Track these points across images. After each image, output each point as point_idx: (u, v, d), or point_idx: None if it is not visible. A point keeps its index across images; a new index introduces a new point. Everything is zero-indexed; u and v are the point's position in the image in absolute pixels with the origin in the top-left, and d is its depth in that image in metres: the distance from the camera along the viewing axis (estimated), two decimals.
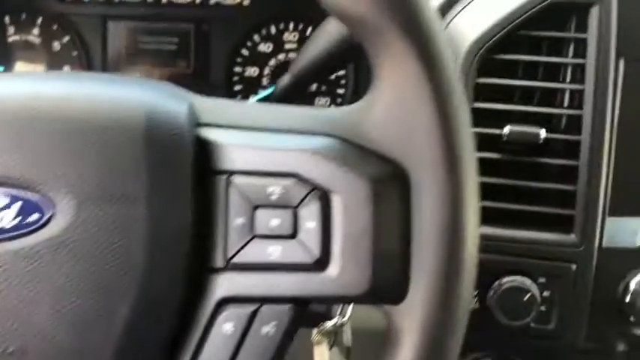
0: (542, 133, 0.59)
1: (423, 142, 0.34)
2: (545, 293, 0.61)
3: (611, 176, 0.60)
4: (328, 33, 0.60)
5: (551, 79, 0.62)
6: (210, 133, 0.37)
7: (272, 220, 0.36)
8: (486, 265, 0.61)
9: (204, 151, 0.37)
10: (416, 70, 0.34)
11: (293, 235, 0.36)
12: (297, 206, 0.35)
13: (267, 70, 0.84)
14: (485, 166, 0.61)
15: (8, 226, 0.34)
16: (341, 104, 0.84)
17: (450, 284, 0.35)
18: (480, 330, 0.62)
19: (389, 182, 0.35)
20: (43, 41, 0.84)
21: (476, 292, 0.61)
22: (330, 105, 0.84)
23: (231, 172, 0.36)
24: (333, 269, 0.35)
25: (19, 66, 0.86)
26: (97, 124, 0.35)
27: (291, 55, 0.83)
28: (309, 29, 0.83)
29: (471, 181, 0.35)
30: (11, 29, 0.84)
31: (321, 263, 0.35)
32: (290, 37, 0.83)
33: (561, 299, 0.61)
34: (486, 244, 0.62)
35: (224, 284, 0.36)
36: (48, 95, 0.35)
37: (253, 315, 0.36)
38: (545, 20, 0.60)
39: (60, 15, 0.83)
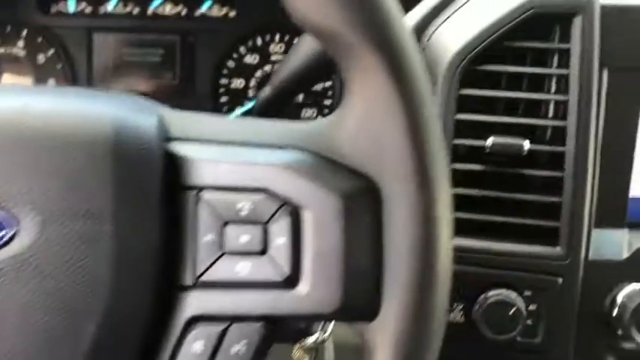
0: (526, 144, 0.58)
1: (393, 156, 0.34)
2: (532, 307, 0.60)
3: (596, 187, 0.60)
4: (309, 44, 0.59)
5: (536, 90, 0.61)
6: (180, 148, 0.37)
7: (241, 237, 0.35)
8: (471, 278, 0.61)
9: (173, 166, 0.36)
10: (386, 84, 0.33)
11: (263, 252, 0.35)
12: (267, 222, 0.35)
13: (253, 82, 0.83)
14: (469, 178, 0.61)
15: None
16: (328, 115, 0.84)
17: (424, 299, 0.34)
18: (465, 344, 0.62)
19: (360, 197, 0.34)
20: (28, 54, 0.84)
21: (461, 306, 0.61)
22: (316, 116, 0.84)
23: (201, 188, 0.36)
24: (304, 287, 0.34)
25: (6, 78, 0.85)
26: (61, 139, 0.34)
27: (278, 66, 0.82)
28: (295, 41, 0.83)
29: (444, 194, 0.34)
30: None
31: (291, 280, 0.34)
32: (276, 48, 0.83)
33: (548, 313, 0.60)
34: (471, 256, 0.61)
35: (193, 302, 0.36)
36: (11, 110, 0.35)
37: (223, 334, 0.35)
38: (528, 31, 0.59)
39: (45, 28, 0.83)
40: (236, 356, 0.35)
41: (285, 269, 0.34)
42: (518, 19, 0.58)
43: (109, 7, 0.83)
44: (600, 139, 0.59)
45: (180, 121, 0.39)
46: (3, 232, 0.34)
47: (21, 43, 0.83)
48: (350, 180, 0.35)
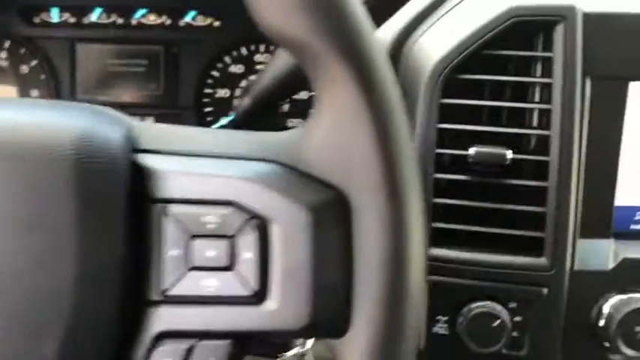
0: (509, 154, 0.57)
1: (362, 167, 0.33)
2: (517, 318, 0.59)
3: (581, 197, 0.59)
4: (287, 54, 0.58)
5: (520, 99, 0.61)
6: (147, 160, 0.36)
7: (208, 251, 0.34)
8: (455, 290, 0.60)
9: (140, 178, 0.35)
10: (355, 94, 0.32)
11: (230, 267, 0.34)
12: (234, 236, 0.34)
13: (238, 92, 0.83)
14: (452, 188, 0.60)
15: None
16: None
17: (395, 314, 0.33)
18: (449, 357, 0.61)
19: (329, 210, 0.33)
20: (11, 65, 0.83)
21: (445, 319, 0.60)
22: None
23: (168, 201, 0.35)
24: (272, 302, 0.34)
25: None
26: (24, 150, 0.33)
27: (257, 77, 0.82)
28: None
29: (415, 205, 0.33)
30: None
31: (259, 296, 0.34)
32: (261, 58, 0.82)
33: (533, 324, 0.59)
34: (454, 268, 0.61)
35: (160, 318, 0.35)
36: None
37: (190, 351, 0.34)
38: (511, 39, 0.59)
39: (28, 38, 0.82)
40: None
41: (253, 284, 0.34)
42: (499, 28, 0.58)
43: (93, 17, 0.82)
44: (584, 148, 0.59)
45: (149, 132, 0.38)
46: None
47: (4, 54, 0.83)
48: (319, 192, 0.34)
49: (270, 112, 0.63)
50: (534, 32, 0.60)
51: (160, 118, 0.82)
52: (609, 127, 0.59)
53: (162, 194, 0.35)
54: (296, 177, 0.34)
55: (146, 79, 0.83)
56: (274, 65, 0.60)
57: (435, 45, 0.60)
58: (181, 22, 0.82)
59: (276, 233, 0.33)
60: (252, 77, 0.82)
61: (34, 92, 0.83)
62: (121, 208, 0.34)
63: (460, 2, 0.64)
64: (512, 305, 0.59)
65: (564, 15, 0.57)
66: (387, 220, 0.33)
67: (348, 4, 0.33)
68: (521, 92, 0.61)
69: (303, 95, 0.80)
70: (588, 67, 0.58)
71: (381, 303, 0.33)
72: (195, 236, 0.34)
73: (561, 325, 0.60)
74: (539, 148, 0.59)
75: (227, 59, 0.82)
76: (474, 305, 0.59)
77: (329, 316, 0.34)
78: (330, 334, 0.34)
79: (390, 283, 0.33)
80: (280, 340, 0.49)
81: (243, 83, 0.82)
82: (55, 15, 0.82)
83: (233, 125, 0.71)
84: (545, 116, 0.59)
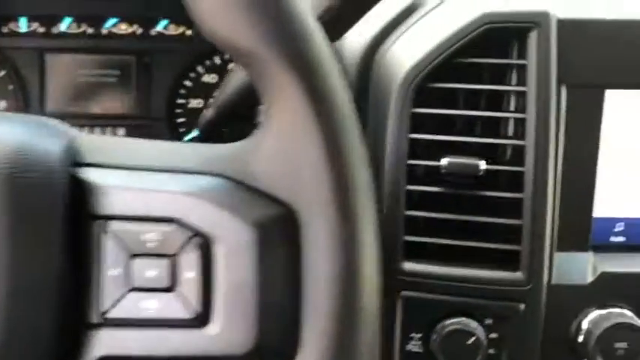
0: (482, 164, 0.55)
1: (311, 180, 0.31)
2: (493, 335, 0.57)
3: (557, 209, 0.57)
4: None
5: (495, 108, 0.59)
6: (88, 174, 0.34)
7: (149, 271, 0.32)
8: (428, 305, 0.58)
9: (79, 193, 0.33)
10: (303, 103, 0.31)
11: (171, 288, 0.32)
12: (175, 255, 0.32)
13: (211, 102, 0.80)
14: (425, 200, 0.58)
15: None
16: None
17: (348, 337, 0.31)
18: None
19: (276, 226, 0.31)
20: None
21: (418, 336, 0.58)
22: None
23: (108, 217, 0.33)
24: (215, 325, 0.32)
25: None
26: None
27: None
28: None
29: (367, 219, 0.31)
30: None
31: (201, 319, 0.32)
32: (235, 67, 0.80)
33: (510, 341, 0.57)
34: (427, 283, 0.58)
35: (101, 342, 0.33)
36: None
37: None
38: (485, 47, 0.57)
39: None
40: None
41: (195, 306, 0.32)
42: (472, 35, 0.56)
43: (62, 26, 0.80)
44: (561, 158, 0.57)
45: (93, 145, 0.36)
46: None
47: None
48: (265, 208, 0.32)
49: (236, 122, 0.61)
50: (509, 39, 0.58)
51: (132, 130, 0.81)
52: (586, 136, 0.57)
53: (102, 210, 0.33)
54: (242, 192, 0.32)
55: (117, 89, 0.81)
56: (237, 74, 0.58)
57: (406, 53, 0.59)
58: (153, 32, 0.80)
59: (219, 252, 0.31)
60: None
61: (2, 103, 0.81)
62: (57, 223, 0.32)
63: (433, 9, 0.62)
64: (488, 321, 0.57)
65: (538, 21, 0.56)
66: (338, 236, 0.31)
67: (295, 9, 0.31)
68: (497, 101, 0.59)
69: None
70: (563, 74, 0.56)
71: (331, 325, 0.31)
72: (135, 255, 0.32)
73: (539, 341, 0.58)
74: (515, 159, 0.58)
75: (200, 69, 0.80)
76: (448, 322, 0.57)
77: (276, 340, 0.31)
78: (278, 358, 0.32)
79: (342, 303, 0.31)
80: None
81: (217, 93, 0.80)
82: (23, 25, 0.80)
83: (200, 137, 0.69)
84: (520, 126, 0.58)
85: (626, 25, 0.56)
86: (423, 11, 0.63)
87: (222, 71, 0.80)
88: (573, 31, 0.56)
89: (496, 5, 0.57)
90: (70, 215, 0.32)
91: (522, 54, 0.57)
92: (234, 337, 0.31)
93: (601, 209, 0.59)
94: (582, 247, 0.58)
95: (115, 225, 0.33)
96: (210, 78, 0.80)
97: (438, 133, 0.58)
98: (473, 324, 0.56)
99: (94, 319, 0.33)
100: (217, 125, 0.61)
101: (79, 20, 0.80)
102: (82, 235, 0.33)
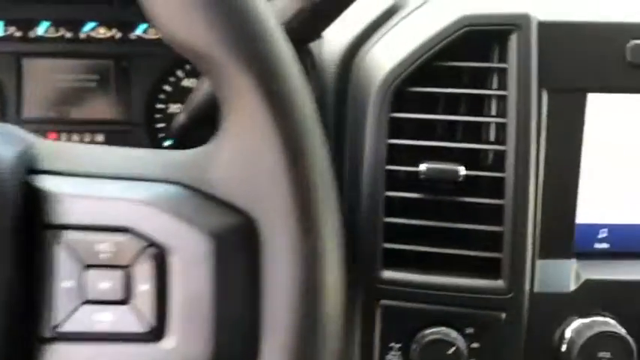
0: (462, 170, 0.54)
1: (270, 188, 0.29)
2: (474, 345, 0.56)
3: (539, 215, 0.56)
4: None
5: (477, 113, 0.58)
6: (44, 181, 0.33)
7: (102, 283, 0.31)
8: (408, 315, 0.56)
9: (32, 201, 0.32)
10: (261, 107, 0.29)
11: (125, 300, 0.31)
12: (130, 266, 0.30)
13: (184, 107, 0.79)
14: (404, 207, 0.57)
15: None
16: None
17: (308, 352, 0.30)
18: None
19: (234, 236, 0.30)
20: None
21: (398, 346, 0.56)
22: None
23: (61, 227, 0.31)
24: (170, 340, 0.30)
25: None
26: None
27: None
28: None
29: (330, 228, 0.30)
30: None
31: (156, 332, 0.30)
32: None
33: (492, 351, 0.56)
34: (406, 291, 0.57)
35: (53, 357, 0.31)
36: None
37: None
38: (466, 50, 0.56)
39: None
40: None
41: (150, 319, 0.30)
42: (451, 38, 0.55)
43: (40, 31, 0.79)
44: (542, 163, 0.56)
45: (50, 151, 0.35)
46: None
47: None
48: (223, 217, 0.30)
49: (209, 126, 0.60)
50: (490, 42, 0.57)
51: (110, 135, 0.79)
52: (568, 140, 0.56)
53: (55, 219, 0.32)
54: (199, 200, 0.31)
55: (96, 94, 0.79)
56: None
57: (386, 55, 0.57)
58: (132, 35, 0.79)
59: (174, 263, 0.30)
60: None
61: None
62: (6, 232, 0.31)
63: (414, 10, 0.61)
64: (469, 331, 0.56)
65: (518, 24, 0.54)
66: (298, 245, 0.29)
67: (253, 10, 0.30)
68: (478, 106, 0.58)
69: None
70: (544, 78, 0.55)
71: (292, 339, 0.30)
72: (89, 266, 0.31)
73: (521, 351, 0.57)
74: (496, 164, 0.56)
75: (179, 73, 0.79)
76: (428, 331, 0.55)
77: (234, 354, 0.30)
78: None
79: (303, 316, 0.29)
80: None
81: (190, 97, 0.79)
82: None
83: (174, 143, 0.67)
84: (501, 131, 0.56)
85: (608, 28, 0.55)
86: (404, 13, 0.62)
87: (201, 76, 0.79)
88: (554, 33, 0.55)
89: (476, 7, 0.56)
90: (21, 225, 0.31)
91: (503, 57, 0.56)
92: (190, 352, 0.30)
93: (584, 215, 0.58)
94: (565, 254, 0.57)
95: (68, 235, 0.31)
96: (190, 82, 0.79)
97: (419, 138, 0.56)
98: (453, 333, 0.55)
99: (47, 333, 0.31)
100: (190, 130, 0.59)
101: (56, 24, 0.79)
102: (35, 245, 0.31)
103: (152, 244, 0.30)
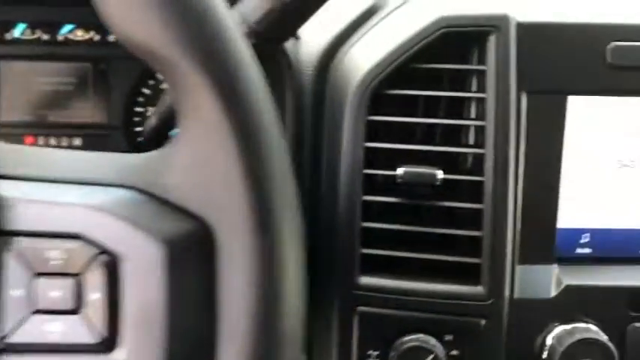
0: (440, 174, 0.53)
1: (227, 193, 0.28)
2: (453, 352, 0.55)
3: (519, 220, 0.55)
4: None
5: (456, 115, 0.57)
6: None
7: (53, 291, 0.29)
8: (386, 321, 0.55)
9: None
10: (217, 109, 0.28)
11: (76, 310, 0.29)
12: (80, 274, 0.29)
13: (154, 109, 0.77)
14: (383, 211, 0.56)
15: None
16: None
17: None
18: None
19: (188, 242, 0.29)
20: None
21: (376, 353, 0.55)
22: None
23: (10, 233, 0.30)
24: (122, 351, 0.29)
25: None
26: None
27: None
28: None
29: (289, 235, 0.29)
30: None
31: (107, 344, 0.29)
32: None
33: (471, 358, 0.55)
34: (385, 297, 0.56)
35: None
36: None
37: None
38: (445, 52, 0.55)
39: None
40: None
41: (101, 330, 0.29)
42: (429, 39, 0.54)
43: (16, 33, 0.77)
44: (522, 167, 0.55)
45: (4, 155, 0.33)
46: None
47: None
48: (177, 222, 0.29)
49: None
50: (469, 44, 0.56)
51: (88, 139, 0.78)
52: (548, 144, 0.55)
53: (4, 225, 0.30)
54: (153, 205, 0.30)
55: (74, 97, 0.78)
56: None
57: (363, 57, 0.56)
58: (110, 38, 0.77)
59: (126, 270, 0.29)
60: None
61: None
62: None
63: (393, 11, 0.60)
64: (448, 338, 0.54)
65: (497, 25, 0.53)
66: (255, 251, 0.28)
67: (208, 8, 0.28)
68: (458, 109, 0.57)
69: None
70: (523, 80, 0.54)
71: (249, 350, 0.28)
72: (39, 274, 0.30)
73: (502, 359, 0.55)
74: (475, 168, 0.55)
75: (158, 76, 0.77)
76: (406, 338, 0.54)
77: None
78: None
79: (260, 326, 0.28)
80: None
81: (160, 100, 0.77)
82: None
83: (147, 146, 0.66)
84: (481, 134, 0.55)
85: (589, 29, 0.54)
86: (383, 13, 0.61)
87: None
88: (534, 34, 0.54)
89: (455, 8, 0.55)
90: None
91: (482, 59, 0.55)
92: None
93: (566, 220, 0.57)
94: (546, 259, 0.56)
95: (18, 241, 0.30)
96: None
97: (398, 142, 0.55)
98: (432, 341, 0.54)
99: None
100: (161, 133, 0.58)
101: (33, 26, 0.77)
102: None
103: (104, 251, 0.29)
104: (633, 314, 0.56)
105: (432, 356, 0.53)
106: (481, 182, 0.54)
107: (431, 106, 0.57)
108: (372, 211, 0.56)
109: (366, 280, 0.55)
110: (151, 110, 0.77)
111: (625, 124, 0.56)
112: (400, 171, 0.53)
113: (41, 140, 0.78)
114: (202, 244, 0.29)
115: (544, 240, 0.56)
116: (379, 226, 0.55)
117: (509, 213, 0.54)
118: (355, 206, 0.55)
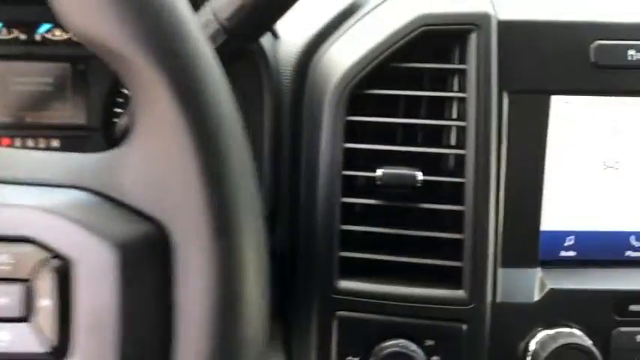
0: (419, 175, 0.52)
1: (183, 193, 0.27)
2: (434, 357, 0.53)
3: (501, 222, 0.54)
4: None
5: (437, 116, 0.55)
6: None
7: (0, 298, 0.28)
8: (366, 326, 0.54)
9: None
10: (173, 106, 0.27)
11: (26, 317, 0.28)
12: (30, 280, 0.28)
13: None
14: (362, 214, 0.55)
15: None
16: None
17: None
18: None
19: (143, 246, 0.28)
20: None
21: (356, 359, 0.54)
22: None
23: None
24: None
25: None
26: None
27: None
28: None
29: (249, 238, 0.28)
30: None
31: (57, 353, 0.28)
32: None
33: None
34: (364, 302, 0.54)
35: None
36: None
37: None
38: (426, 51, 0.54)
39: None
40: None
41: (52, 338, 0.28)
42: (408, 38, 0.53)
43: None
44: (504, 168, 0.54)
45: None
46: None
47: None
48: (131, 224, 0.28)
49: None
50: (450, 43, 0.55)
51: (67, 140, 0.76)
52: (531, 145, 0.54)
53: None
54: (107, 207, 0.28)
55: (52, 98, 0.76)
56: None
57: (342, 56, 0.55)
58: None
59: (78, 276, 0.27)
60: None
61: None
62: None
63: (372, 9, 0.59)
64: (429, 343, 0.53)
65: (478, 23, 0.52)
66: (212, 254, 0.27)
67: (166, 4, 0.27)
68: (439, 109, 0.56)
69: None
70: (505, 80, 0.53)
71: (206, 354, 0.27)
72: None
73: None
74: (457, 169, 0.54)
75: None
76: (386, 344, 0.53)
77: None
78: None
79: (219, 333, 0.27)
80: None
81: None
82: None
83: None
84: (462, 134, 0.54)
85: (572, 27, 0.53)
86: (363, 12, 0.60)
87: None
88: (516, 33, 0.53)
89: (436, 6, 0.54)
90: None
91: (463, 58, 0.54)
92: None
93: (549, 222, 0.55)
94: (530, 262, 0.55)
95: None
96: None
97: (378, 142, 0.54)
98: (413, 346, 0.53)
99: None
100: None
101: (10, 26, 0.76)
102: None
103: (55, 255, 0.28)
104: (618, 318, 0.55)
105: None
106: (462, 184, 0.53)
107: (411, 107, 0.55)
108: (353, 214, 0.55)
109: (345, 284, 0.54)
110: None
111: (609, 124, 0.55)
112: (379, 172, 0.52)
113: (18, 142, 0.76)
114: (157, 246, 0.28)
115: (527, 243, 0.55)
116: (359, 228, 0.54)
117: (490, 215, 0.53)
118: (334, 208, 0.54)
